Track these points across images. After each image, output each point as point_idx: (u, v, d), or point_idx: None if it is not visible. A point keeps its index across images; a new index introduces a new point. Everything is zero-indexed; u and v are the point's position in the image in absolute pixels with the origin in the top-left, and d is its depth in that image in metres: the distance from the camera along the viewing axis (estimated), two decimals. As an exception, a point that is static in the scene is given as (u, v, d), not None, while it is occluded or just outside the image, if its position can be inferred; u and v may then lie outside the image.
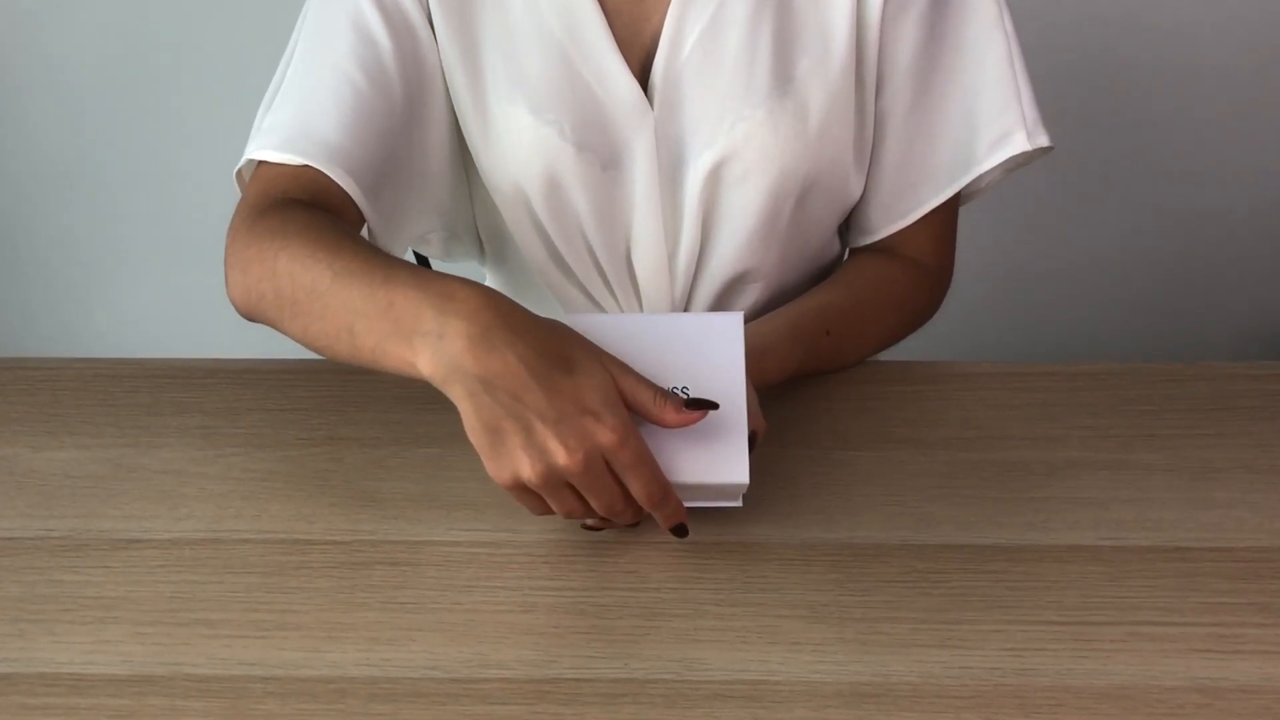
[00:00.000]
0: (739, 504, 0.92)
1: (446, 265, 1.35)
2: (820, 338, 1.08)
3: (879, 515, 0.95)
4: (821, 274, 1.23)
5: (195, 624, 0.87)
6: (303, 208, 0.97)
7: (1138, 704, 0.80)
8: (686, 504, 0.90)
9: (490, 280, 1.32)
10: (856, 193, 1.17)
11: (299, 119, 1.03)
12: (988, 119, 1.12)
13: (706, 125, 1.08)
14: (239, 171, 1.08)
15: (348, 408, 1.07)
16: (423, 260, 1.34)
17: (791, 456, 1.01)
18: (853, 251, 1.24)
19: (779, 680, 0.82)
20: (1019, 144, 1.11)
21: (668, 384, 0.86)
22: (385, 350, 0.83)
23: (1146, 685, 0.81)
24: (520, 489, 0.83)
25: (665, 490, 0.85)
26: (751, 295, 1.18)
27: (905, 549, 0.92)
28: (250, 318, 0.98)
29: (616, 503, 0.85)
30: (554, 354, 0.81)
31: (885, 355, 1.19)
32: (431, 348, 0.81)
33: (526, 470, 0.81)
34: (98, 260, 2.31)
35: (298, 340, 0.92)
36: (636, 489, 0.84)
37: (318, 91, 1.04)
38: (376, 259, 0.87)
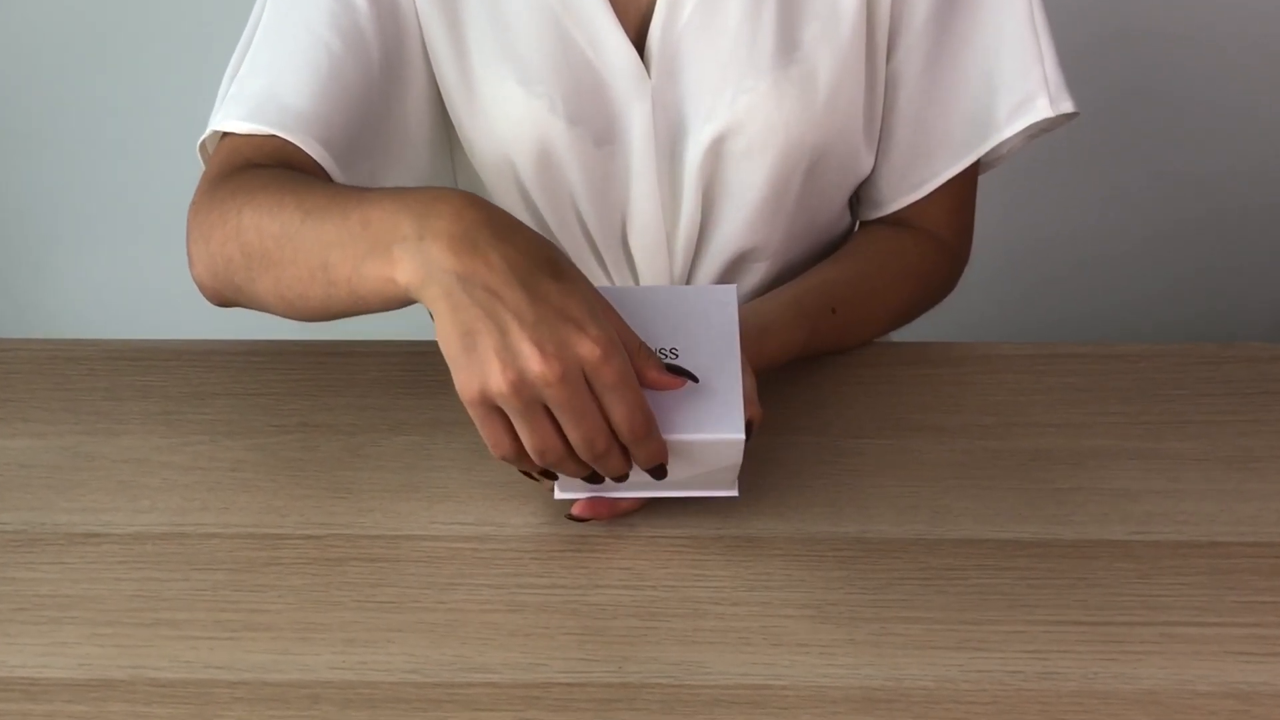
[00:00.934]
0: (735, 493, 0.92)
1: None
2: (826, 316, 1.08)
3: (891, 508, 0.95)
4: (830, 250, 1.23)
5: (158, 624, 0.87)
6: (264, 166, 0.97)
7: (1169, 710, 0.80)
8: (680, 494, 0.91)
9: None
10: (868, 165, 1.17)
11: (267, 86, 1.03)
12: (1007, 82, 1.12)
13: (707, 95, 1.08)
14: (203, 144, 1.07)
15: (322, 392, 1.07)
16: None
17: (797, 445, 1.01)
18: (863, 224, 1.24)
19: (784, 685, 0.82)
20: (1041, 110, 1.11)
21: (656, 347, 0.87)
22: (362, 273, 0.83)
23: (1178, 690, 0.81)
24: (487, 407, 0.80)
25: (649, 423, 0.82)
26: (756, 274, 1.18)
27: (920, 544, 0.92)
28: (219, 296, 0.98)
29: (597, 434, 0.81)
30: (542, 259, 0.80)
31: (898, 335, 1.19)
32: (410, 251, 0.80)
33: (496, 378, 0.78)
34: (53, 234, 2.31)
35: (270, 301, 0.91)
36: (619, 415, 0.81)
37: (288, 56, 1.04)
38: (348, 190, 0.87)
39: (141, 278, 2.30)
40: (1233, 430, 1.02)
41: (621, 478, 0.87)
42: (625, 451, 0.84)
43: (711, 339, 0.88)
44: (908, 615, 0.86)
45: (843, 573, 0.90)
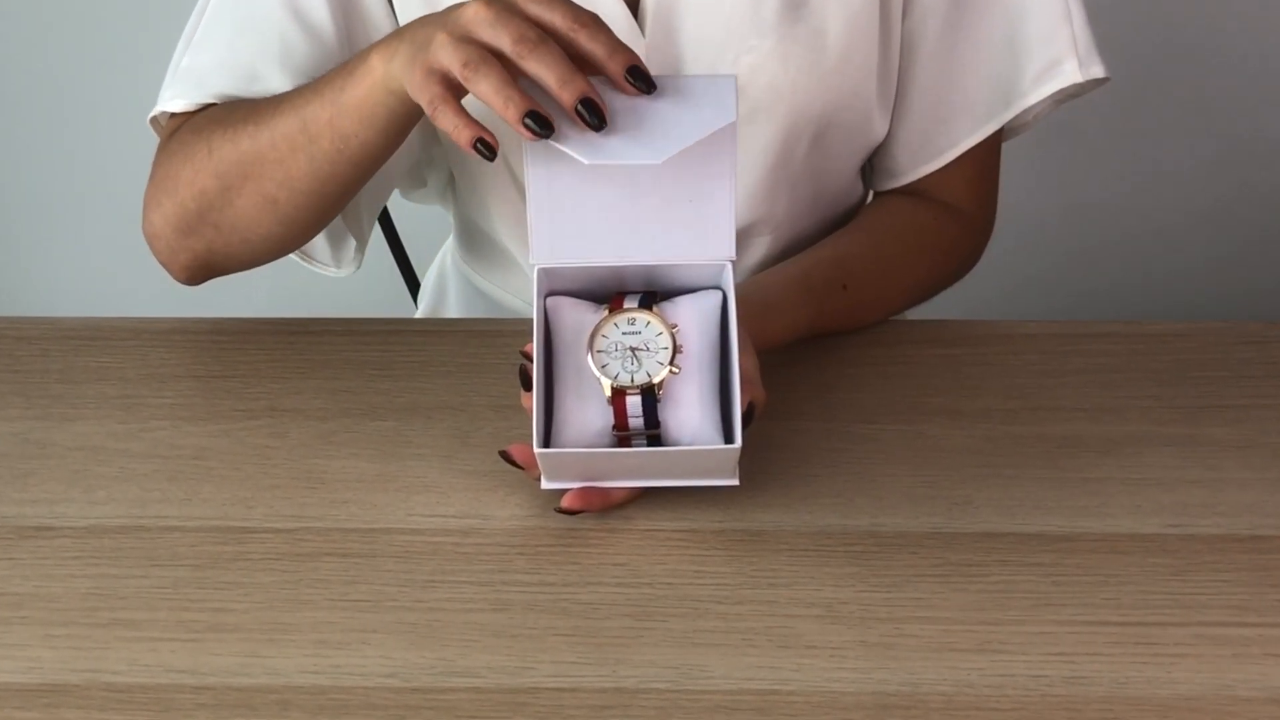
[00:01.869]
0: (736, 482, 0.93)
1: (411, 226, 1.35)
2: (835, 293, 1.08)
3: (906, 499, 0.95)
4: (840, 224, 1.22)
5: (115, 625, 0.87)
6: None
7: (1207, 718, 0.80)
8: (677, 484, 0.92)
9: (458, 221, 1.32)
10: (881, 131, 1.17)
11: (222, 60, 1.06)
12: (1033, 44, 1.11)
13: (707, 56, 1.08)
14: (154, 118, 1.10)
15: (291, 374, 1.07)
16: (387, 224, 1.37)
17: (805, 431, 1.01)
18: (877, 195, 1.23)
19: (791, 690, 0.82)
20: (1069, 74, 1.11)
21: (654, 131, 0.89)
22: (342, 101, 0.96)
23: (1217, 696, 0.81)
24: (442, 49, 0.88)
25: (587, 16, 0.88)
26: (760, 249, 1.17)
27: (937, 538, 0.92)
28: (192, 257, 1.07)
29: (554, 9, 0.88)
30: None
31: (914, 313, 1.19)
32: (387, 41, 0.94)
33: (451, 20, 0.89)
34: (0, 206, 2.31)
35: (254, 215, 1.03)
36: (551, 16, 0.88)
37: (243, 29, 1.07)
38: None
39: (98, 251, 2.29)
40: (1276, 415, 1.02)
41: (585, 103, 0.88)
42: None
43: (708, 130, 0.89)
44: (924, 615, 0.86)
45: (854, 569, 0.90)
